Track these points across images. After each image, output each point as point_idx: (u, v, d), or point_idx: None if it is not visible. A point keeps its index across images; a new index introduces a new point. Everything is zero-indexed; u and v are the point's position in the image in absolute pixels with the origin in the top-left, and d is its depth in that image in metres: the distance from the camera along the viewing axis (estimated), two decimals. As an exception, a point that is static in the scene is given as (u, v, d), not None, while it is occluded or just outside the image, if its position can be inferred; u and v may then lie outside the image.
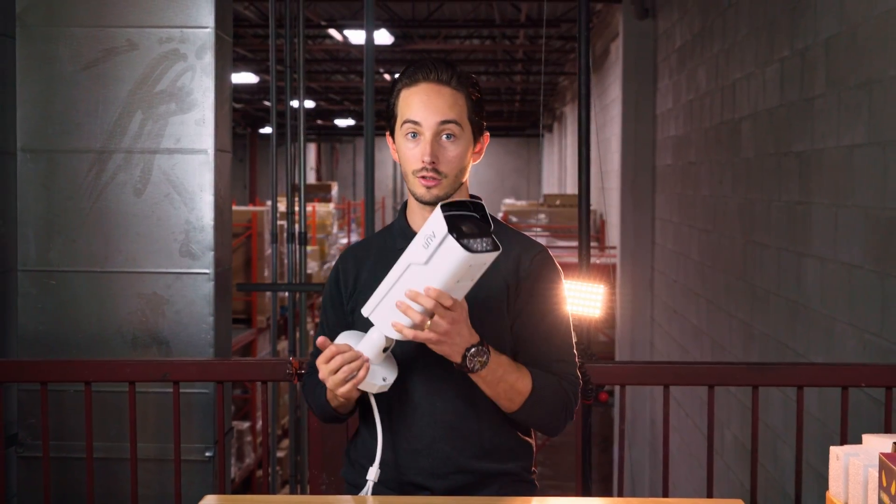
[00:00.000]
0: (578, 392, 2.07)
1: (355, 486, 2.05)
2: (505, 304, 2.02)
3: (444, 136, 1.98)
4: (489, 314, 1.99)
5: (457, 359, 1.88)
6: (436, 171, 1.97)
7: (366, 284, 2.04)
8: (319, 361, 1.92)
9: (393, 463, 2.02)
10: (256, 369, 3.11)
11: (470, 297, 1.89)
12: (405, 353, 1.99)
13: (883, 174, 3.50)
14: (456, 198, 2.01)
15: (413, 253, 1.82)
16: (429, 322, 1.82)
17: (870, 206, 3.62)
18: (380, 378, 1.94)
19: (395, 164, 30.06)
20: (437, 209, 1.79)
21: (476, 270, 1.83)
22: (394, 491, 2.03)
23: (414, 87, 2.00)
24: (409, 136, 1.99)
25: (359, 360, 1.89)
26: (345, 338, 1.95)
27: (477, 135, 2.05)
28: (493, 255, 1.81)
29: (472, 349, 1.87)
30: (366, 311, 1.90)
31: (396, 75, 2.07)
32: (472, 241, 1.78)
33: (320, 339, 1.93)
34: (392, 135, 2.05)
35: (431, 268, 1.80)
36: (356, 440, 2.13)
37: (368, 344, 1.91)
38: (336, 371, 1.88)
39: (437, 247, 1.78)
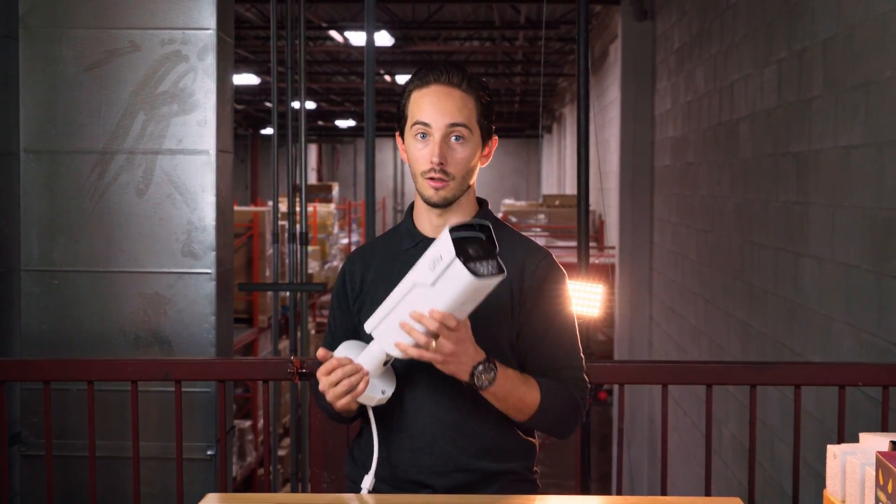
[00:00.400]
0: (587, 395, 2.09)
1: (357, 484, 2.07)
2: (509, 308, 2.02)
3: (453, 137, 1.99)
4: (491, 318, 2.00)
5: (464, 377, 1.90)
6: (444, 171, 1.98)
7: (372, 285, 2.06)
8: (320, 373, 1.94)
9: (395, 461, 2.04)
10: (258, 368, 3.13)
11: None
12: None
13: (880, 175, 3.52)
14: (463, 201, 2.03)
15: (419, 273, 1.82)
16: (433, 343, 1.84)
17: (867, 207, 3.65)
18: (379, 391, 1.96)
19: (395, 164, 30.06)
20: (446, 231, 1.79)
21: (481, 293, 1.83)
22: (395, 488, 2.04)
23: (425, 89, 2.01)
24: (419, 136, 2.00)
25: (359, 373, 1.91)
26: (346, 348, 1.97)
27: (486, 138, 2.06)
28: (498, 279, 1.81)
29: (480, 367, 1.89)
30: (368, 326, 1.91)
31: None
32: (478, 264, 1.79)
33: (320, 352, 1.95)
34: (402, 136, 2.06)
35: (437, 290, 1.80)
36: (360, 439, 2.14)
37: (369, 357, 1.92)
38: (336, 384, 1.91)
39: (443, 270, 1.78)
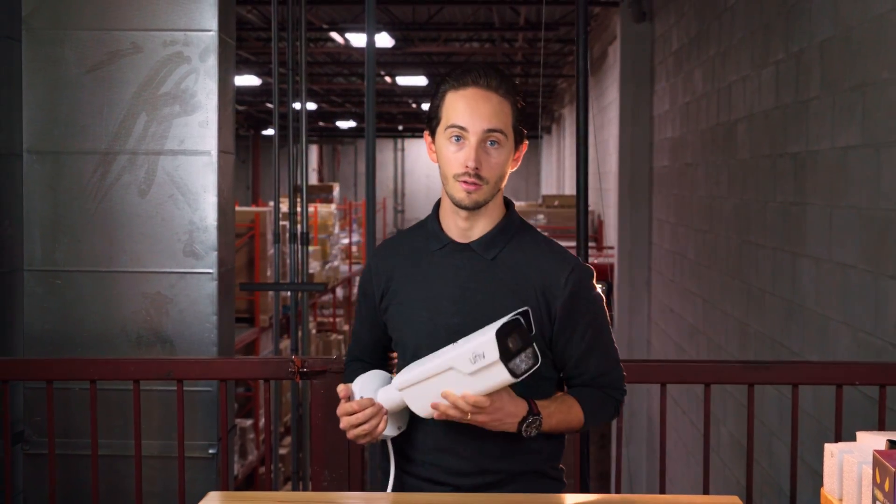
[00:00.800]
0: (624, 387, 2.13)
1: (389, 477, 2.11)
2: (537, 321, 1.99)
3: (489, 143, 1.97)
4: (509, 300, 2.00)
5: (512, 430, 1.95)
6: (478, 176, 1.96)
7: (399, 284, 2.08)
8: (340, 412, 1.99)
9: (419, 460, 2.06)
10: (259, 368, 3.14)
11: (493, 290, 1.97)
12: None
13: (876, 175, 3.54)
14: (491, 205, 2.02)
15: (458, 361, 1.86)
16: (469, 416, 1.89)
17: (863, 207, 3.67)
18: (395, 427, 2.03)
19: (396, 165, 30.07)
20: (492, 332, 1.81)
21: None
22: (421, 482, 2.07)
23: (462, 91, 1.98)
24: (453, 139, 1.98)
25: (378, 414, 1.97)
26: (369, 379, 2.02)
27: (518, 143, 2.04)
28: (533, 369, 1.86)
29: (524, 424, 1.94)
30: (398, 385, 1.95)
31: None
32: (518, 360, 1.84)
33: (341, 389, 2.01)
34: (432, 135, 2.04)
35: (474, 380, 1.85)
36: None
37: (389, 398, 1.98)
38: (357, 425, 1.98)
39: (484, 366, 1.83)
